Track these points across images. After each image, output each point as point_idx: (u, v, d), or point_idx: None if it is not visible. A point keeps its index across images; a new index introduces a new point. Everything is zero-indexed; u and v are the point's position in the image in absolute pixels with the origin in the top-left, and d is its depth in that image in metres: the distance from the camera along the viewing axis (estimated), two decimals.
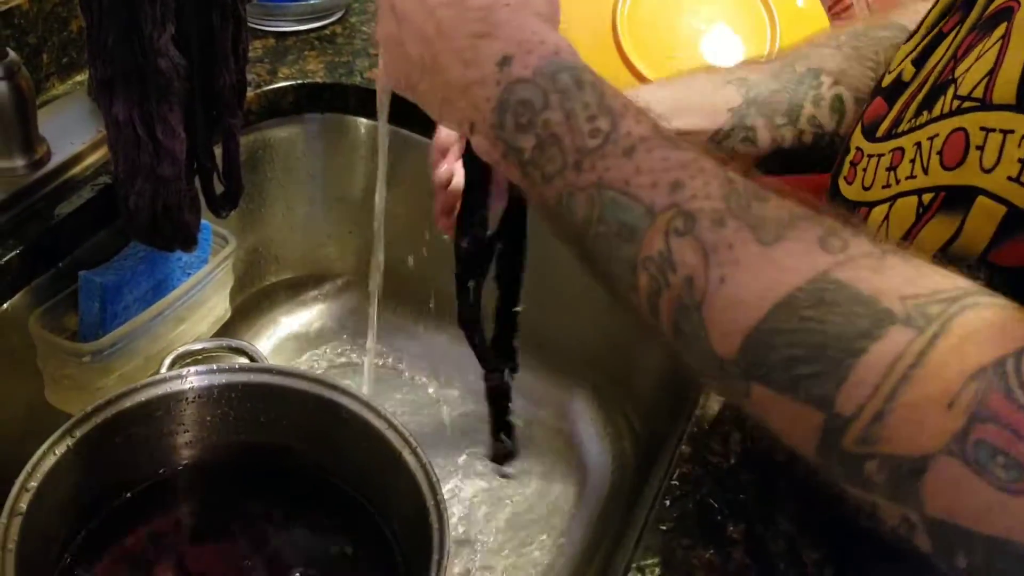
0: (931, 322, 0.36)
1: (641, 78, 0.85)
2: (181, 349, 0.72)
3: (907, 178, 0.49)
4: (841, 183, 0.57)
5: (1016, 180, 0.41)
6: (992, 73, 0.44)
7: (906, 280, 0.37)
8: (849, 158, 0.57)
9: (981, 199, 0.43)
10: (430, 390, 0.97)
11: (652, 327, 0.42)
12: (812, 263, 0.38)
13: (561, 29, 0.92)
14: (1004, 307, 0.37)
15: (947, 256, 0.45)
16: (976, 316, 0.36)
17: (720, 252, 0.39)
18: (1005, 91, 0.42)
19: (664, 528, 0.56)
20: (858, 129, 0.57)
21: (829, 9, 0.95)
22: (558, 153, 0.43)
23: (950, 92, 0.47)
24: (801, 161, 0.69)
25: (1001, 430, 0.33)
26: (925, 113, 0.49)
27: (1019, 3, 0.44)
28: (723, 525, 0.57)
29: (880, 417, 0.35)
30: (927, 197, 0.47)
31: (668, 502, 0.58)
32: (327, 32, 0.97)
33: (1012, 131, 0.42)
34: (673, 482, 0.59)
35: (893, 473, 0.36)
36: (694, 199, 0.40)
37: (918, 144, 0.49)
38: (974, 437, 0.34)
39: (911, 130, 0.50)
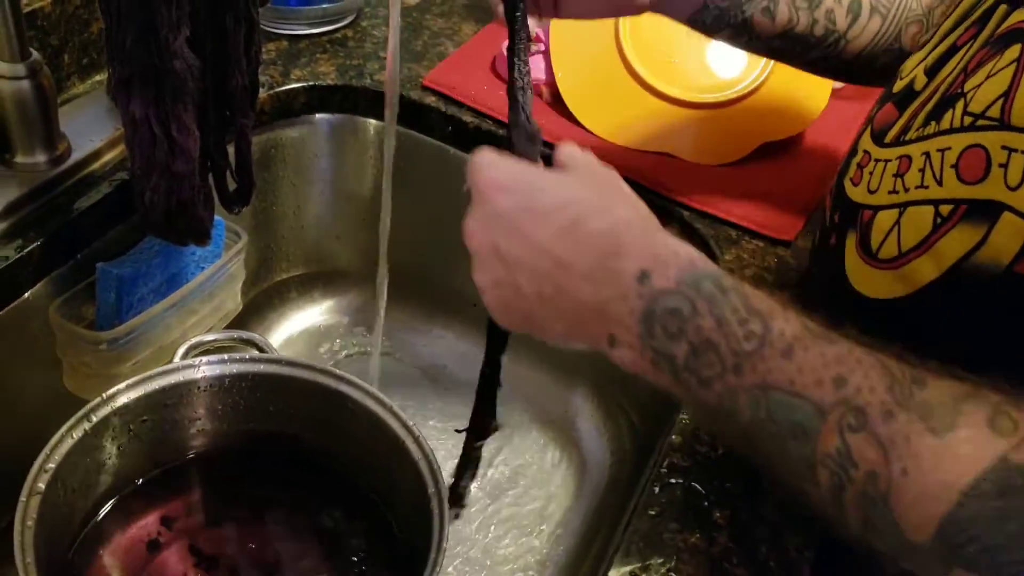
0: None
1: (644, 84, 0.87)
2: (194, 340, 0.73)
3: (917, 187, 0.50)
4: (847, 184, 0.58)
5: None
6: (1008, 95, 0.45)
7: None
8: (856, 160, 0.58)
9: (1007, 214, 0.45)
10: (436, 383, 0.99)
11: (834, 518, 0.43)
12: (988, 450, 0.39)
13: (565, 33, 0.94)
14: None
15: (970, 263, 0.47)
16: None
17: (898, 446, 0.40)
18: (1023, 115, 0.44)
19: (652, 513, 0.58)
20: (867, 132, 0.59)
21: None
22: (715, 358, 0.44)
23: (959, 106, 0.48)
24: (806, 53, 0.71)
25: None
26: (933, 124, 0.51)
27: None
28: (709, 511, 0.59)
29: None
30: (945, 208, 0.48)
31: (657, 489, 0.60)
32: (339, 35, 0.98)
33: None
34: (662, 470, 0.61)
35: None
36: (859, 393, 0.41)
37: (926, 154, 0.50)
38: None
39: (918, 139, 0.51)
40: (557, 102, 0.90)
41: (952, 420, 0.40)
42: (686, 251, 0.47)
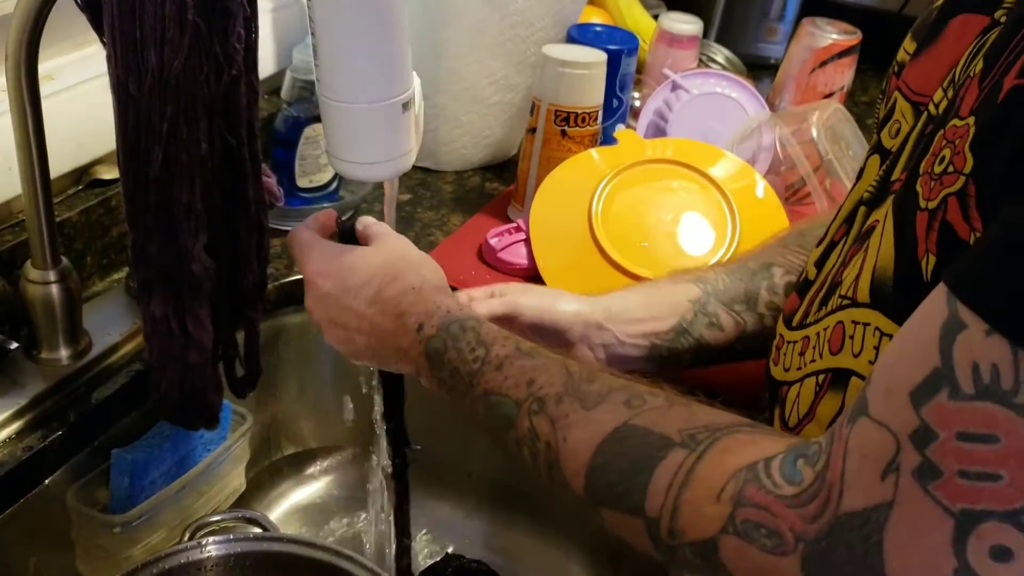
0: (699, 444, 0.48)
1: (619, 267, 0.94)
2: (200, 520, 0.76)
3: (810, 362, 0.58)
4: (771, 365, 0.65)
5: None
6: (857, 277, 0.54)
7: (683, 419, 0.51)
8: (775, 343, 0.65)
9: (854, 379, 0.53)
10: (433, 555, 1.01)
11: (544, 484, 0.56)
12: (618, 416, 0.52)
13: (544, 222, 1.02)
14: (760, 432, 0.49)
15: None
16: (733, 438, 0.48)
17: (560, 420, 0.54)
18: (863, 292, 0.53)
19: None
20: (781, 319, 0.66)
21: (786, 200, 1.05)
22: (459, 378, 0.61)
23: (837, 292, 0.57)
24: (766, 344, 0.74)
25: (758, 510, 0.44)
26: (823, 308, 0.58)
27: (880, 222, 0.54)
28: None
29: (674, 514, 0.47)
30: (820, 378, 0.56)
31: None
32: None
33: (869, 324, 0.51)
34: None
35: (699, 555, 0.47)
36: (542, 388, 0.56)
37: (818, 334, 0.58)
38: (740, 518, 0.44)
39: (814, 322, 0.59)
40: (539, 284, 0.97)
41: (599, 401, 0.54)
42: (446, 304, 0.65)
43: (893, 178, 0.56)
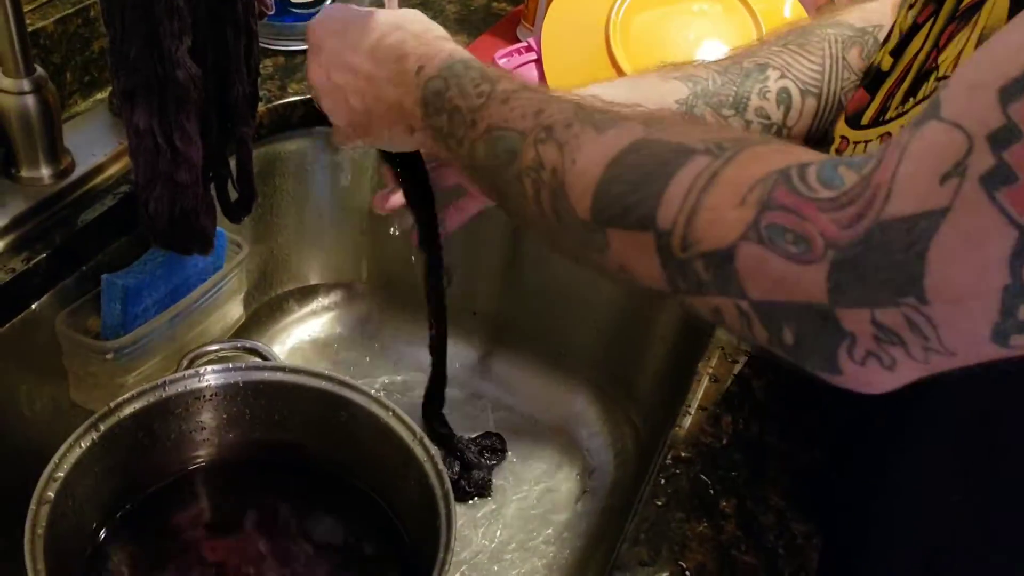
0: (724, 151, 0.43)
1: None
2: (198, 349, 0.74)
3: None
4: None
5: None
6: (961, 55, 0.47)
7: (706, 130, 0.47)
8: (835, 147, 0.59)
9: None
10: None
11: (545, 225, 0.52)
12: (633, 133, 0.48)
13: (556, 40, 0.95)
14: (787, 143, 0.45)
15: None
16: (763, 147, 0.44)
17: (570, 144, 0.50)
18: None
19: (659, 503, 0.59)
20: (841, 119, 0.59)
21: None
22: (460, 119, 0.56)
23: (932, 77, 0.50)
24: None
25: (787, 214, 0.39)
26: (911, 100, 0.52)
27: None
28: (715, 500, 0.60)
29: (690, 221, 0.43)
30: None
31: (663, 480, 0.60)
32: None
33: None
34: (667, 461, 0.62)
35: (713, 267, 0.42)
36: (551, 116, 0.52)
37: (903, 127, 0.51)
38: (765, 222, 0.40)
39: (899, 116, 0.52)
40: None
41: (613, 124, 0.49)
42: (450, 47, 0.60)
43: None
